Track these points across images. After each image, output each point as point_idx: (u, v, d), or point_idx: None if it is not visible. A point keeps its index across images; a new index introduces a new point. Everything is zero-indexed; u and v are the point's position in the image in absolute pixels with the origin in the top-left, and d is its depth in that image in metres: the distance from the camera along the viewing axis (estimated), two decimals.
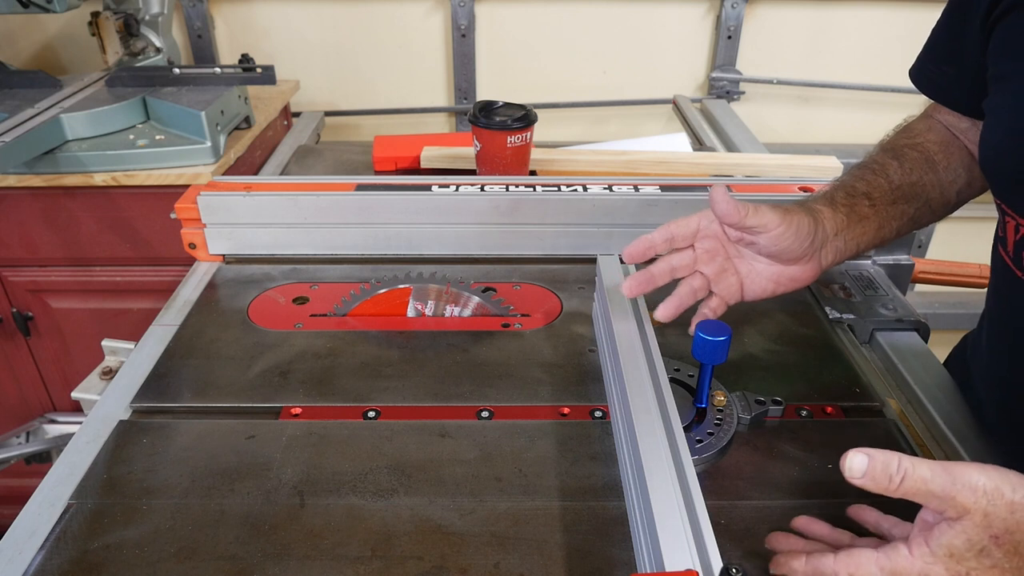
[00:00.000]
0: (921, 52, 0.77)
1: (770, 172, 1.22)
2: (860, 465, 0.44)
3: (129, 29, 1.48)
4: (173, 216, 0.96)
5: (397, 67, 1.80)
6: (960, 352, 0.81)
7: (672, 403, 0.59)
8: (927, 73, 0.77)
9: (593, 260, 0.81)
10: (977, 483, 0.42)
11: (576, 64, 1.80)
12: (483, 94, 1.82)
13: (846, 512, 0.57)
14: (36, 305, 1.37)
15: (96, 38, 1.43)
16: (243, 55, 1.58)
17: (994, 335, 0.70)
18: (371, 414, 0.71)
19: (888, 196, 0.72)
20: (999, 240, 0.66)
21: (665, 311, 0.68)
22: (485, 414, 0.70)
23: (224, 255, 0.98)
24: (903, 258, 0.95)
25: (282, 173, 1.35)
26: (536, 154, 1.19)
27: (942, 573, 0.44)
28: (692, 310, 0.70)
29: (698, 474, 0.52)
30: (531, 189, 0.96)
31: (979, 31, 0.65)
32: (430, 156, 1.24)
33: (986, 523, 0.42)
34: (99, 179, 1.21)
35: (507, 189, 0.96)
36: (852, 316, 0.84)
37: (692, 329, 0.64)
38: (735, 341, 0.74)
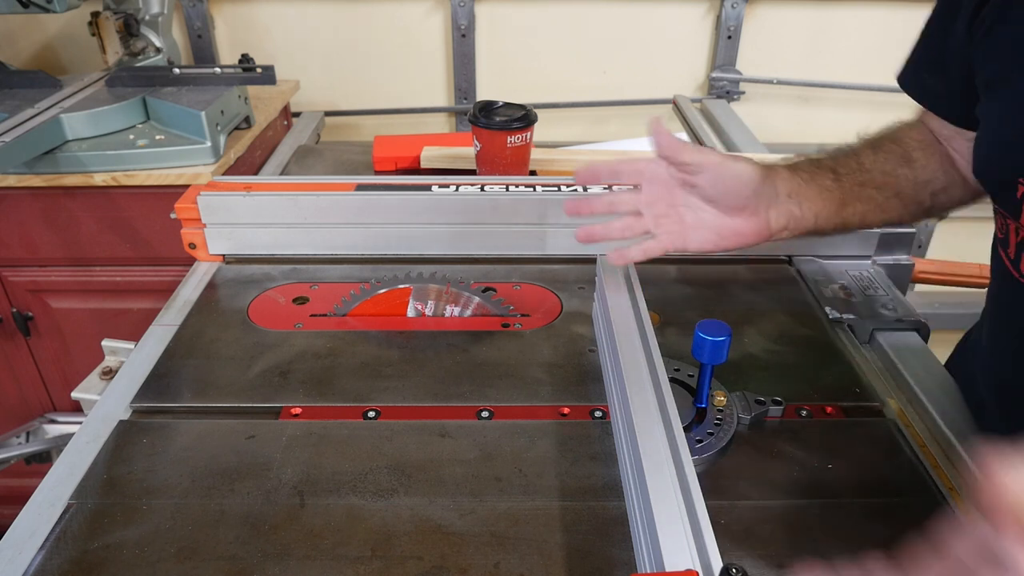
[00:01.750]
0: (908, 56, 0.76)
1: None
2: None
3: (129, 29, 1.48)
4: (173, 216, 0.96)
5: (397, 67, 1.80)
6: (963, 349, 0.81)
7: (672, 403, 0.59)
8: (913, 78, 0.76)
9: (593, 260, 0.81)
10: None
11: (576, 64, 1.80)
12: (483, 94, 1.82)
13: None
14: (36, 305, 1.37)
15: (96, 38, 1.43)
16: (243, 55, 1.58)
17: (995, 337, 0.70)
18: (371, 414, 0.71)
19: (856, 176, 0.71)
20: (999, 242, 0.66)
21: (583, 232, 0.71)
22: (485, 414, 0.70)
23: (224, 255, 0.98)
24: (903, 258, 0.95)
25: (282, 173, 1.35)
26: (536, 154, 1.18)
27: None
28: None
29: (698, 474, 0.52)
30: (531, 189, 0.96)
31: (964, 37, 0.64)
32: (430, 156, 1.24)
33: None
34: (99, 179, 1.21)
35: (507, 189, 0.96)
36: (852, 316, 0.84)
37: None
38: (735, 341, 0.74)
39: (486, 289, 0.90)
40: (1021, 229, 0.60)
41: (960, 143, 0.73)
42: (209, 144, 1.24)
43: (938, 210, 0.76)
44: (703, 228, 0.70)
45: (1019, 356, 0.66)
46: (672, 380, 0.69)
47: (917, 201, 0.75)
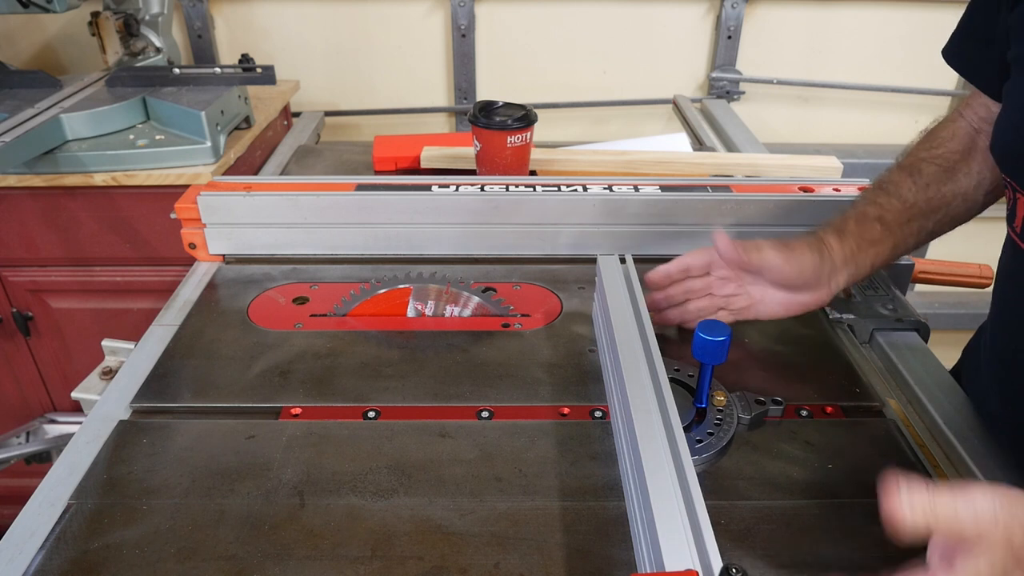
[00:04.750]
0: (954, 30, 0.77)
1: (770, 172, 1.22)
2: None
3: (129, 29, 1.48)
4: (173, 216, 0.96)
5: (397, 67, 1.80)
6: (978, 336, 0.82)
7: (672, 403, 0.59)
8: (959, 52, 0.76)
9: (593, 260, 0.81)
10: (984, 511, 0.42)
11: (576, 64, 1.80)
12: (483, 94, 1.82)
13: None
14: (36, 305, 1.37)
15: (96, 38, 1.43)
16: (243, 55, 1.58)
17: (1000, 311, 0.71)
18: (371, 414, 0.70)
19: (902, 216, 0.75)
20: (1008, 217, 0.66)
21: (658, 317, 0.78)
22: (485, 414, 0.70)
23: (224, 255, 0.98)
24: (903, 258, 0.95)
25: (282, 173, 1.35)
26: (536, 154, 1.19)
27: None
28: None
29: (698, 474, 0.52)
30: (531, 189, 0.96)
31: (1006, 11, 0.65)
32: (430, 156, 1.24)
33: (1008, 545, 0.42)
34: (99, 179, 1.21)
35: (507, 189, 0.96)
36: (852, 316, 0.84)
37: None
38: (735, 341, 0.74)
39: (486, 289, 0.90)
40: None
41: None
42: (209, 144, 1.24)
43: (994, 200, 0.78)
44: (770, 302, 0.77)
45: (1022, 329, 0.66)
46: (672, 380, 0.69)
47: (968, 207, 0.77)
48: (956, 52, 0.76)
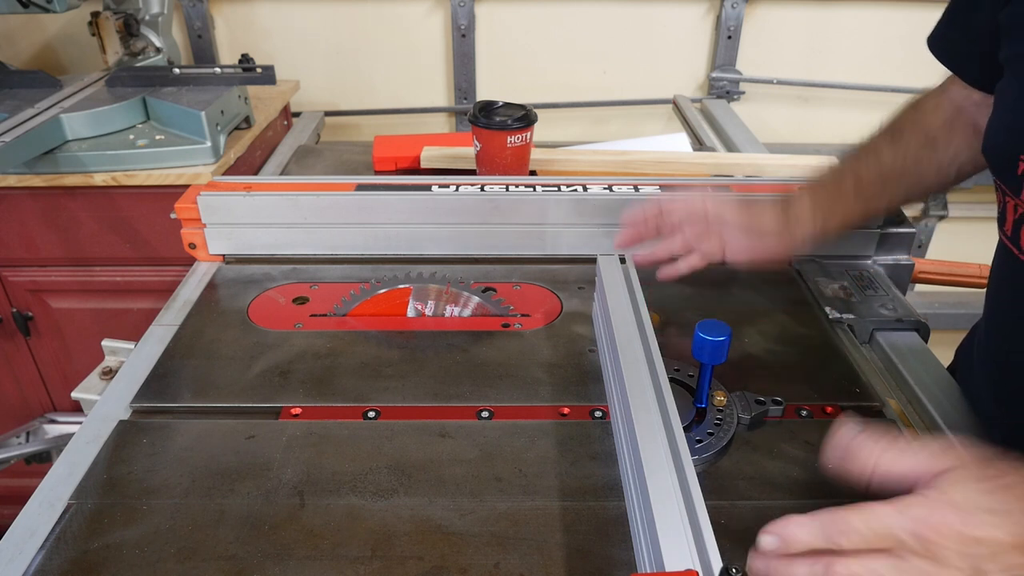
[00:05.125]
0: (939, 20, 0.77)
1: (770, 172, 1.22)
2: None
3: (129, 29, 1.48)
4: (173, 216, 0.96)
5: (397, 67, 1.80)
6: (970, 336, 0.82)
7: (672, 403, 0.59)
8: (941, 40, 0.77)
9: (593, 260, 0.81)
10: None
11: (576, 64, 1.80)
12: (483, 94, 1.82)
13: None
14: (36, 305, 1.37)
15: (96, 38, 1.43)
16: (243, 55, 1.58)
17: (993, 315, 0.71)
18: (371, 414, 0.71)
19: (878, 179, 0.78)
20: (999, 220, 0.66)
21: (637, 257, 0.80)
22: (485, 414, 0.70)
23: (224, 255, 0.98)
24: (903, 258, 0.95)
25: (282, 173, 1.35)
26: (536, 154, 1.19)
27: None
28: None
29: (698, 474, 0.52)
30: (531, 189, 0.96)
31: (991, 8, 0.65)
32: (430, 156, 1.24)
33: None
34: (99, 179, 1.21)
35: (507, 189, 0.96)
36: (852, 316, 0.84)
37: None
38: (735, 341, 0.74)
39: (486, 289, 0.90)
40: (1020, 206, 0.60)
41: (986, 111, 0.73)
42: (209, 144, 1.24)
43: (965, 178, 0.80)
44: (737, 243, 0.80)
45: (1015, 332, 0.66)
46: (672, 380, 0.69)
47: (940, 180, 0.79)
48: (940, 43, 0.77)
